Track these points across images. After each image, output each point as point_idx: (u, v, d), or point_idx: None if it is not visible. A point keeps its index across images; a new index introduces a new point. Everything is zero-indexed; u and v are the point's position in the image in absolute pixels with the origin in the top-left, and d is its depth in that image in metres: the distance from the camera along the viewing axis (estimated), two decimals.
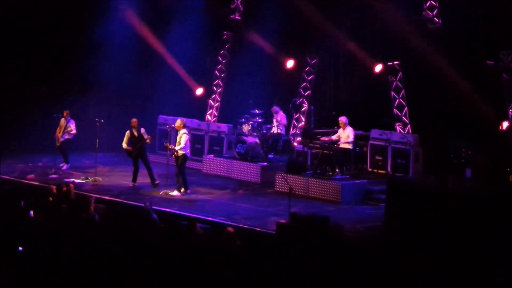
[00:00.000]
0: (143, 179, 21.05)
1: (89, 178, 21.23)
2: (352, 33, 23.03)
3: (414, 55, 21.90)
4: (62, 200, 16.35)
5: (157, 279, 10.73)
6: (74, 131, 22.54)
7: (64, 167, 22.36)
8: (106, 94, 25.78)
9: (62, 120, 22.52)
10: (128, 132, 20.87)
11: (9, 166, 22.02)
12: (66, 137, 22.52)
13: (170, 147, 19.99)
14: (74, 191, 17.44)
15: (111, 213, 16.35)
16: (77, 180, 20.72)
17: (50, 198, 16.68)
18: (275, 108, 22.93)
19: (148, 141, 20.85)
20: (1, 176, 19.94)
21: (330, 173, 20.23)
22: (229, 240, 13.35)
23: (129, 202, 18.83)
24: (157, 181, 20.75)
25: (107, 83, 25.35)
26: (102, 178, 21.37)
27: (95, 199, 16.45)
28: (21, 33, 24.82)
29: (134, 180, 20.96)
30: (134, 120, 20.97)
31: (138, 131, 20.81)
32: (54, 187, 17.25)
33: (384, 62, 22.51)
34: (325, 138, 20.54)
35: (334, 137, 20.53)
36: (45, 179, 20.73)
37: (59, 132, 22.46)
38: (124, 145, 20.85)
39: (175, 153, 19.99)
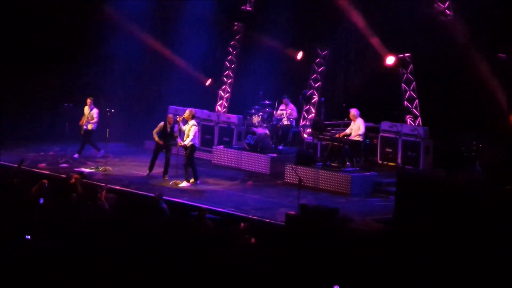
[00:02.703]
0: (156, 169, 21.08)
1: (99, 167, 21.27)
2: (363, 25, 22.96)
3: (425, 48, 21.83)
4: (72, 189, 16.42)
5: (166, 270, 10.75)
6: (95, 120, 22.45)
7: (75, 156, 22.20)
8: (116, 84, 25.77)
9: (86, 108, 22.48)
10: (162, 123, 20.72)
11: (20, 155, 22.06)
12: (89, 126, 22.45)
13: (180, 143, 19.98)
14: (83, 181, 17.48)
15: (121, 203, 16.41)
16: (87, 170, 20.74)
17: (73, 180, 16.75)
18: (286, 100, 22.93)
19: (179, 144, 20.55)
20: (12, 164, 19.95)
21: (340, 165, 20.23)
22: (240, 234, 13.38)
23: (139, 192, 18.86)
24: (167, 177, 20.71)
25: (119, 73, 25.38)
26: (113, 167, 21.40)
27: (106, 189, 16.52)
28: (33, 24, 24.88)
29: (151, 169, 20.93)
30: (170, 115, 21.01)
31: (172, 128, 20.74)
32: (66, 176, 17.34)
33: (395, 54, 22.45)
34: (338, 135, 20.51)
35: (347, 131, 20.52)
36: (56, 168, 20.77)
37: (83, 121, 22.44)
38: (154, 134, 20.72)
39: (183, 145, 19.99)
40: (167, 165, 20.72)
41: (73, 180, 17.14)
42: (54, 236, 12.12)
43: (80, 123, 22.50)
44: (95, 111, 22.47)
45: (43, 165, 21.28)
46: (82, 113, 22.74)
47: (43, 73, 25.21)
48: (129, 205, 16.71)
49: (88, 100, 22.54)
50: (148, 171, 20.93)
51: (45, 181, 16.64)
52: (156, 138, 20.69)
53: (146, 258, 11.03)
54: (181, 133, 20.44)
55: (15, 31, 24.69)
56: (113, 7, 25.32)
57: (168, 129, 20.69)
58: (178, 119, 20.24)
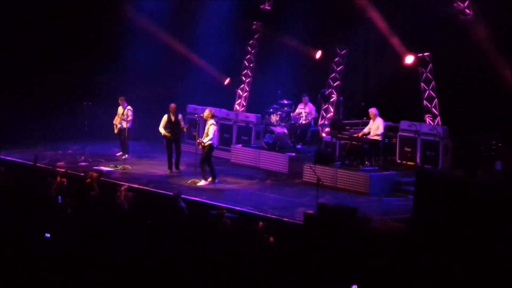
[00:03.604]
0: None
1: (118, 166, 21.33)
2: (382, 24, 22.89)
3: (445, 47, 21.74)
4: (91, 188, 16.46)
5: (185, 268, 10.77)
6: (130, 118, 22.16)
7: (125, 157, 22.04)
8: (135, 82, 25.82)
9: (119, 108, 22.39)
10: (165, 116, 20.99)
11: (39, 153, 22.14)
12: (124, 125, 22.14)
13: (198, 140, 20.04)
14: (101, 179, 17.51)
15: (140, 201, 16.44)
16: (106, 168, 20.79)
17: (88, 180, 16.81)
18: (305, 99, 22.90)
19: (184, 129, 21.00)
20: (30, 162, 20.02)
21: (359, 164, 20.19)
22: (259, 233, 13.37)
23: (157, 190, 18.90)
24: (177, 171, 20.88)
25: (137, 71, 25.43)
26: (131, 166, 21.45)
27: (125, 188, 16.55)
28: (52, 23, 24.98)
29: (170, 167, 21.04)
30: (172, 105, 21.10)
31: (176, 117, 20.91)
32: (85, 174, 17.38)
33: (414, 53, 22.38)
34: (357, 134, 20.48)
35: (365, 130, 20.49)
36: (74, 167, 20.84)
37: (116, 120, 22.41)
38: (161, 129, 20.98)
39: (202, 142, 20.04)
40: (178, 159, 20.96)
41: (89, 180, 17.18)
42: (74, 234, 12.17)
43: (114, 122, 22.42)
44: (129, 109, 22.27)
45: (61, 163, 21.35)
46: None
47: (62, 72, 25.29)
48: (148, 204, 16.73)
49: (120, 99, 22.43)
50: (168, 170, 21.00)
51: (64, 179, 16.70)
52: (163, 132, 20.89)
53: (164, 256, 11.05)
54: (200, 132, 20.48)
55: (35, 30, 24.80)
56: (132, 6, 25.39)
57: (173, 119, 20.90)
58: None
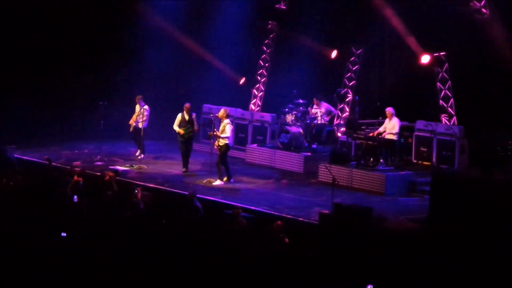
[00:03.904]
0: (192, 166, 21.28)
1: (134, 165, 21.37)
2: (398, 23, 22.83)
3: (461, 46, 21.67)
4: (107, 187, 16.51)
5: (201, 267, 10.78)
6: (145, 118, 22.07)
7: (141, 157, 21.99)
8: (151, 82, 25.87)
9: (137, 106, 22.40)
10: (179, 115, 21.12)
11: (55, 153, 22.27)
12: (139, 125, 22.06)
13: (215, 133, 20.05)
14: (117, 178, 17.57)
15: (156, 201, 16.48)
16: (122, 168, 20.84)
17: (107, 177, 16.87)
18: (320, 99, 22.89)
19: (196, 129, 21.13)
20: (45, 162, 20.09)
21: (374, 164, 20.15)
22: (274, 233, 13.38)
23: (173, 190, 18.93)
24: (184, 169, 21.07)
25: (152, 72, 25.48)
26: (147, 165, 21.49)
27: (141, 187, 16.60)
28: (68, 23, 25.06)
29: (185, 165, 21.15)
30: (187, 104, 21.21)
31: (190, 115, 21.00)
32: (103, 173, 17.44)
33: (430, 53, 22.31)
34: (373, 133, 20.46)
35: (380, 129, 20.45)
36: (90, 166, 20.90)
37: (133, 119, 22.39)
38: (175, 127, 21.10)
39: (218, 142, 20.04)
40: (188, 156, 21.15)
41: (107, 178, 17.24)
42: (90, 233, 12.21)
43: (130, 121, 22.41)
44: (145, 109, 22.21)
45: (78, 163, 21.42)
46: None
47: (78, 71, 25.37)
48: (163, 203, 16.78)
49: (137, 98, 22.42)
50: (183, 168, 21.07)
51: (80, 178, 16.76)
52: (178, 129, 21.02)
53: (179, 255, 11.07)
54: (216, 130, 20.50)
55: (52, 29, 24.88)
56: (148, 5, 25.45)
57: (187, 118, 21.03)
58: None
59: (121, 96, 23.90)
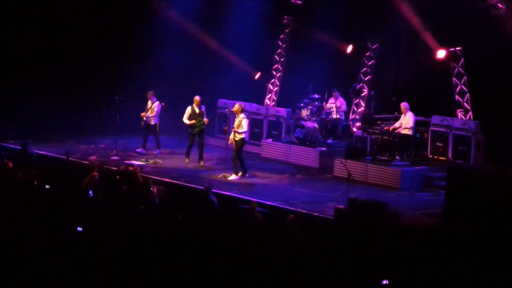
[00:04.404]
0: (207, 162, 21.44)
1: (149, 160, 21.43)
2: (414, 18, 22.77)
3: (477, 41, 21.59)
4: (124, 182, 16.55)
5: (216, 262, 10.81)
6: (154, 113, 22.24)
7: (157, 151, 22.09)
8: (166, 77, 25.91)
9: (149, 102, 22.42)
10: (189, 108, 21.36)
11: (72, 147, 22.37)
12: (150, 121, 22.26)
13: (233, 129, 20.09)
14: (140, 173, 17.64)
15: (171, 195, 16.51)
16: (137, 162, 20.89)
17: (118, 177, 16.92)
18: (336, 93, 22.89)
19: (205, 123, 21.22)
20: (62, 156, 20.18)
21: (390, 159, 20.13)
22: (289, 227, 13.38)
23: (188, 184, 18.98)
24: (200, 163, 21.27)
25: (168, 66, 25.52)
26: (162, 160, 21.55)
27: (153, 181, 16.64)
28: (85, 18, 25.14)
29: (188, 156, 21.52)
30: (197, 97, 21.43)
31: (199, 108, 21.10)
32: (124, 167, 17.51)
33: (446, 48, 22.25)
34: (388, 128, 20.43)
35: (396, 124, 20.42)
36: (106, 161, 20.98)
37: (144, 113, 22.42)
38: (185, 120, 21.28)
39: (234, 136, 20.08)
40: (201, 151, 21.38)
41: (131, 168, 17.32)
42: (106, 228, 12.26)
43: (143, 113, 22.49)
44: (155, 105, 22.31)
45: (94, 157, 21.48)
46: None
47: (94, 66, 25.44)
48: (179, 198, 16.80)
49: (149, 94, 22.50)
50: (186, 159, 21.56)
51: (96, 173, 16.82)
52: (188, 122, 21.27)
53: (195, 250, 11.09)
54: (230, 126, 20.51)
55: (68, 24, 24.96)
56: (165, 1, 25.49)
57: (197, 111, 21.26)
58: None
59: (137, 91, 23.92)
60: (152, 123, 22.34)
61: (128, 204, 14.61)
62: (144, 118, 22.37)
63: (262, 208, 16.18)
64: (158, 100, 22.38)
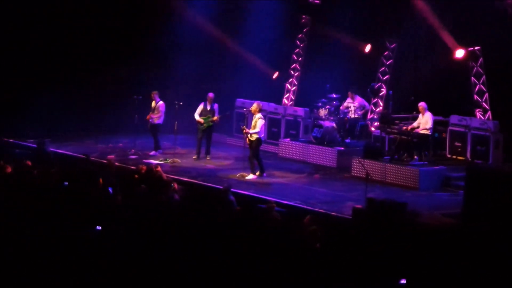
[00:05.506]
0: (222, 161, 21.54)
1: (167, 159, 21.49)
2: (432, 17, 22.72)
3: (495, 41, 21.52)
4: (143, 181, 16.58)
5: (234, 261, 10.83)
6: (159, 113, 22.29)
7: (151, 153, 22.21)
8: (185, 76, 25.95)
9: (153, 103, 22.50)
10: (201, 104, 21.80)
11: (90, 147, 22.47)
12: (153, 121, 22.31)
13: (245, 130, 20.13)
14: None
15: (189, 194, 16.54)
16: (155, 161, 20.94)
17: (136, 176, 16.95)
18: (352, 93, 22.88)
19: (215, 119, 21.39)
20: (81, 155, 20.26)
21: (408, 159, 20.09)
22: (306, 227, 13.36)
23: (207, 184, 19.01)
24: (207, 157, 21.75)
25: (187, 66, 25.56)
26: (181, 159, 21.62)
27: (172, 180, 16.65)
28: (103, 18, 25.25)
29: (198, 153, 21.80)
30: (210, 94, 21.86)
31: (212, 106, 21.52)
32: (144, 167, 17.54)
33: (465, 47, 22.19)
34: (406, 128, 20.40)
35: (414, 124, 20.39)
36: (124, 160, 21.06)
37: (149, 115, 22.47)
38: (196, 116, 21.74)
39: (250, 136, 20.10)
40: (209, 147, 21.83)
41: (159, 168, 17.37)
42: (125, 227, 12.30)
43: (147, 116, 22.52)
44: (160, 105, 22.38)
45: (112, 156, 21.54)
46: (150, 106, 22.93)
47: (113, 65, 25.53)
48: (197, 197, 16.83)
49: (153, 94, 22.54)
50: (195, 156, 21.80)
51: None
52: (198, 118, 21.70)
53: (215, 249, 11.12)
54: (248, 126, 20.52)
55: (86, 24, 25.08)
56: (182, 1, 25.54)
57: (208, 107, 21.73)
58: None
59: (156, 90, 23.97)
60: (156, 122, 22.38)
61: (146, 202, 14.64)
62: (150, 120, 22.41)
63: (279, 208, 16.18)
64: (161, 99, 22.46)
